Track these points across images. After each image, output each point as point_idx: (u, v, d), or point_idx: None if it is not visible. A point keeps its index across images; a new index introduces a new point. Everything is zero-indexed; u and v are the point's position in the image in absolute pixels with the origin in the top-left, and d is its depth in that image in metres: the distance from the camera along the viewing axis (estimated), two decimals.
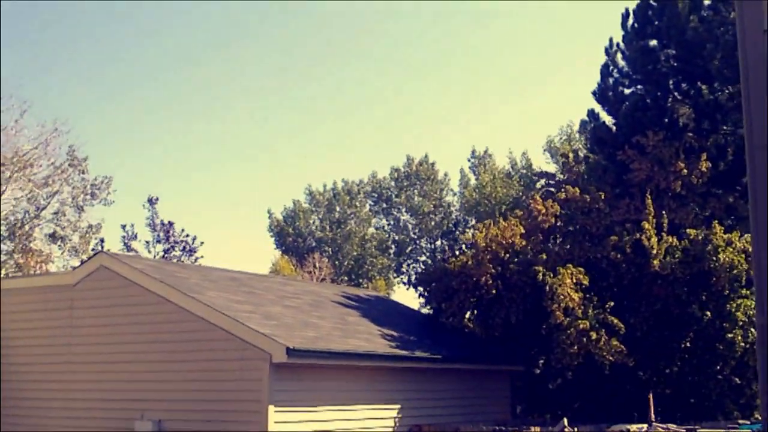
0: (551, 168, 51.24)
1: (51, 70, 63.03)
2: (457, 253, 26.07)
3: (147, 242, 36.48)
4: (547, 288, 19.97)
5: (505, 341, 21.46)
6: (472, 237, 22.09)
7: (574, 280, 20.21)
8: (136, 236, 36.54)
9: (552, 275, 20.15)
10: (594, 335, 19.74)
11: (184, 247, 35.65)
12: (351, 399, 16.72)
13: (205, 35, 72.60)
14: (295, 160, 75.31)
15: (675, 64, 24.56)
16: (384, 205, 59.19)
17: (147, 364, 16.38)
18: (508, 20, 71.65)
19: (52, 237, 36.17)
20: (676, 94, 24.77)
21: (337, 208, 58.67)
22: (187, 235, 36.08)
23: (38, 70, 61.74)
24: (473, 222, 55.51)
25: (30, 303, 18.27)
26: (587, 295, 20.38)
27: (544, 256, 20.97)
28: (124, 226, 36.64)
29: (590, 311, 20.10)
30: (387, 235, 58.38)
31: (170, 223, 36.07)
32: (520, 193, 53.20)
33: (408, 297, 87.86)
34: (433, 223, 57.23)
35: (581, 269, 20.54)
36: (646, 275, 20.74)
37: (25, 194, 35.15)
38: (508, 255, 21.31)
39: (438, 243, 57.70)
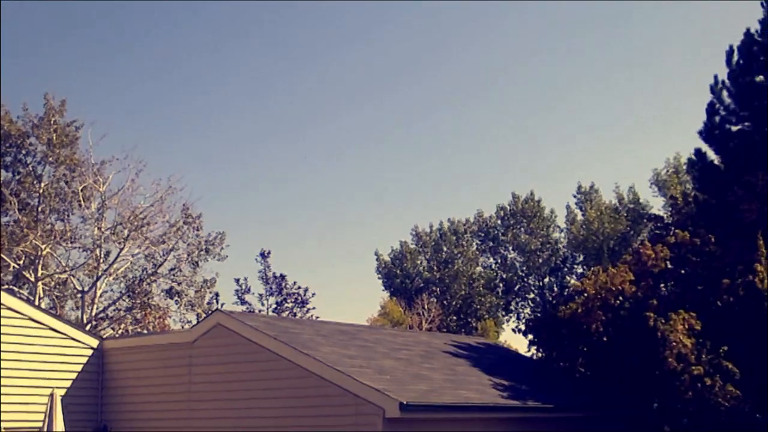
0: (659, 201, 50.63)
1: (163, 129, 65.32)
2: (565, 293, 25.95)
3: (260, 295, 37.46)
4: (659, 334, 19.78)
5: (616, 387, 21.29)
6: (581, 284, 22.05)
7: (687, 326, 19.95)
8: (249, 289, 37.50)
9: (663, 321, 19.94)
10: (708, 381, 19.42)
11: (296, 299, 36.32)
12: None
13: (309, 90, 74.02)
14: (401, 201, 75.98)
15: None
16: (491, 244, 59.20)
17: (262, 420, 16.75)
18: (609, 54, 71.32)
19: (169, 292, 37.32)
20: None
21: (444, 248, 58.87)
22: (299, 287, 36.84)
23: (152, 129, 64.08)
24: (581, 258, 55.08)
25: (151, 360, 18.98)
26: (700, 340, 20.09)
27: (655, 302, 20.76)
28: (237, 280, 37.67)
29: (704, 356, 19.81)
30: (494, 274, 58.31)
31: (282, 276, 36.88)
32: (628, 228, 52.58)
33: (517, 338, 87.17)
34: (540, 260, 56.97)
35: (693, 314, 20.27)
36: (760, 318, 20.32)
37: (143, 251, 36.44)
38: (618, 301, 21.20)
39: (546, 280, 57.44)
